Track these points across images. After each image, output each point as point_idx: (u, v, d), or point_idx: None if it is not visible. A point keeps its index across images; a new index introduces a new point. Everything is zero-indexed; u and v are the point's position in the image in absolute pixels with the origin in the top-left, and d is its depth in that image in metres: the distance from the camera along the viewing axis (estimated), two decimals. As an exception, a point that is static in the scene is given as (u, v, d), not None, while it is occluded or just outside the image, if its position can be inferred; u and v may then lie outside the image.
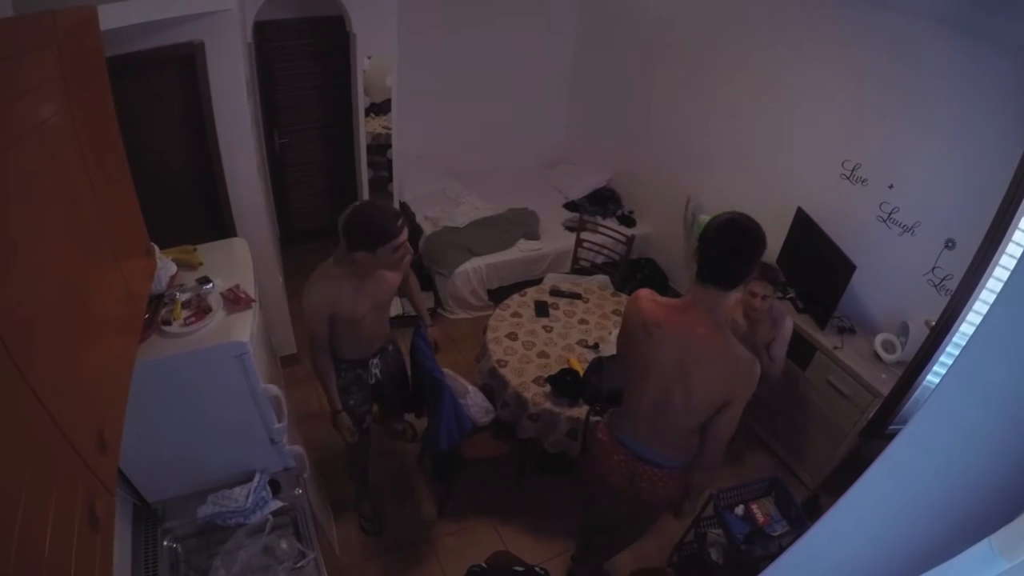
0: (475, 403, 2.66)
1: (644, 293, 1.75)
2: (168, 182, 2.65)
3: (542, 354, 2.82)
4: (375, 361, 2.35)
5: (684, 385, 1.66)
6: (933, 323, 2.45)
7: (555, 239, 4.22)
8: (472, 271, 3.97)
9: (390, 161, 4.04)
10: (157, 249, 1.68)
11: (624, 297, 3.29)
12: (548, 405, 2.55)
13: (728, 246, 1.52)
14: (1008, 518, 0.63)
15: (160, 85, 2.48)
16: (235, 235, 2.70)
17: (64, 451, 0.85)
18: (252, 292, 1.75)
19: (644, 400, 1.77)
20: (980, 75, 2.36)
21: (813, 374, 2.95)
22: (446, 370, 2.61)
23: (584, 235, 3.78)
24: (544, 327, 3.00)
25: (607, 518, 2.31)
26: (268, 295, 2.87)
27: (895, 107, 2.70)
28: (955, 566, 0.66)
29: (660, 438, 1.80)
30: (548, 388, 2.60)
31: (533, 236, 4.22)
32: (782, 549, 2.05)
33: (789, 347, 2.66)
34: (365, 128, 3.84)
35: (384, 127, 3.90)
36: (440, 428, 2.38)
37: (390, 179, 4.11)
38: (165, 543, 1.68)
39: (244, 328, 1.62)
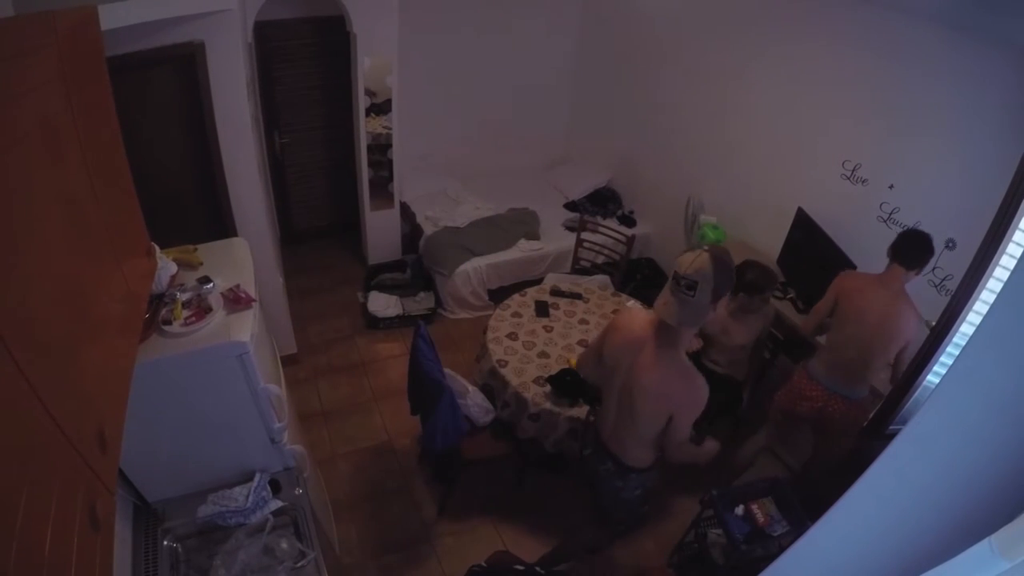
0: (475, 403, 2.66)
1: (854, 275, 2.51)
2: (168, 182, 2.65)
3: (542, 354, 2.82)
4: None
5: (883, 337, 2.32)
6: (933, 323, 2.44)
7: (555, 239, 4.21)
8: (472, 271, 3.96)
9: (390, 161, 4.04)
10: (157, 249, 1.67)
11: (624, 297, 3.30)
12: (548, 405, 2.55)
13: (911, 234, 2.34)
14: (1008, 518, 0.63)
15: (160, 85, 2.47)
16: (235, 235, 2.70)
17: (65, 451, 0.85)
18: (252, 292, 1.75)
19: (849, 348, 2.40)
20: (980, 75, 2.36)
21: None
22: (446, 370, 2.61)
23: (584, 235, 3.78)
24: (544, 327, 3.00)
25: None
26: (268, 295, 2.87)
27: (895, 107, 2.69)
28: (955, 566, 0.66)
29: (850, 376, 2.44)
30: (548, 388, 2.60)
31: (533, 236, 4.22)
32: (782, 549, 2.05)
33: (791, 346, 2.65)
34: (365, 128, 3.84)
35: (384, 127, 3.91)
36: (436, 428, 2.39)
37: (390, 179, 4.12)
38: (165, 543, 1.68)
39: (245, 328, 1.63)
